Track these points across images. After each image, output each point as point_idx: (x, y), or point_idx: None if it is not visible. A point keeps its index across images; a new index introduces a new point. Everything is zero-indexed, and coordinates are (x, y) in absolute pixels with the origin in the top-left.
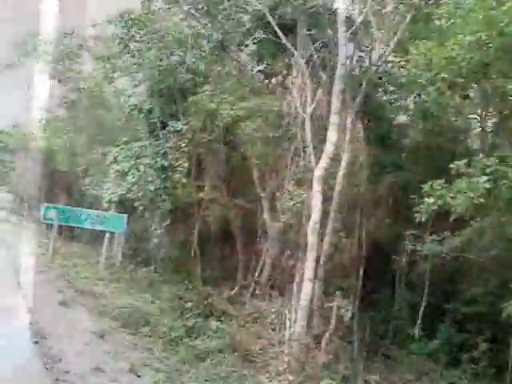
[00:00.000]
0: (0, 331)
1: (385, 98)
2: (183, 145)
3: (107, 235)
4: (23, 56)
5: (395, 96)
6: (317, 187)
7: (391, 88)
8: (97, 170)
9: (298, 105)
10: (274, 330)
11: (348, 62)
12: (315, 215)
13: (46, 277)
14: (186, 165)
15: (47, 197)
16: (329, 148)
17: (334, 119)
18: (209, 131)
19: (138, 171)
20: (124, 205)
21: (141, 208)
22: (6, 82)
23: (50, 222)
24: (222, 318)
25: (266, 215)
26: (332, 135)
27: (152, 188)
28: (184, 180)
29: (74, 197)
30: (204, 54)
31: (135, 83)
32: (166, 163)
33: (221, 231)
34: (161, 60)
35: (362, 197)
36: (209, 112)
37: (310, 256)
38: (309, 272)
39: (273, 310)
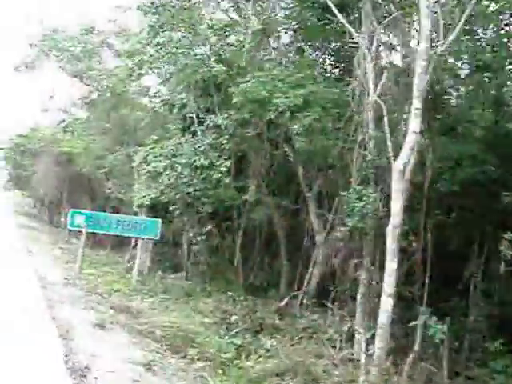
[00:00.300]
0: (32, 367)
1: (452, 82)
2: (224, 141)
3: (140, 242)
4: (42, 55)
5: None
6: (397, 184)
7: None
8: (121, 173)
9: (363, 91)
10: (334, 347)
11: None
12: (395, 218)
13: (76, 291)
14: (228, 163)
15: (69, 201)
16: (411, 138)
17: (416, 104)
18: (253, 125)
19: (175, 171)
20: (155, 209)
21: (177, 212)
22: (25, 82)
23: (77, 228)
24: (274, 334)
25: (312, 218)
26: (414, 123)
27: (191, 190)
28: (226, 180)
29: (97, 201)
30: (241, 42)
31: (166, 76)
32: (205, 162)
33: (264, 235)
34: (193, 50)
35: (429, 194)
36: (259, 102)
37: (390, 267)
38: (389, 286)
39: (329, 324)
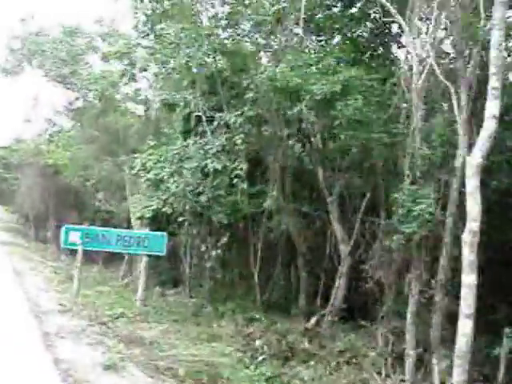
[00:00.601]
0: None
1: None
2: (239, 141)
3: (144, 260)
4: (24, 59)
5: None
6: (473, 182)
7: None
8: (111, 183)
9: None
10: (379, 373)
11: None
12: (472, 223)
13: (76, 320)
14: (245, 166)
15: (55, 215)
16: (489, 124)
17: (494, 82)
18: (270, 122)
19: (182, 178)
20: (157, 221)
21: (185, 224)
22: (6, 90)
23: (72, 247)
24: (307, 361)
25: (335, 224)
26: (493, 105)
27: (202, 198)
28: (242, 185)
29: (86, 214)
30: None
31: (167, 72)
32: (218, 166)
33: (279, 246)
34: (196, 40)
35: None
36: (289, 90)
37: (468, 282)
38: (467, 305)
39: (369, 345)
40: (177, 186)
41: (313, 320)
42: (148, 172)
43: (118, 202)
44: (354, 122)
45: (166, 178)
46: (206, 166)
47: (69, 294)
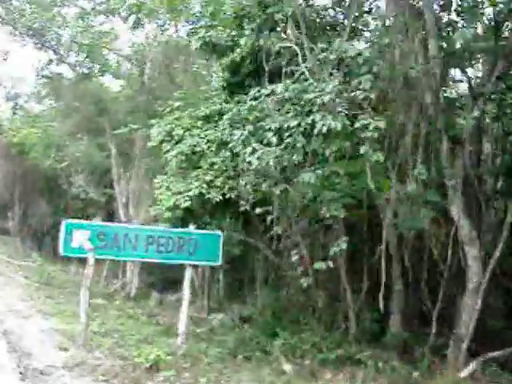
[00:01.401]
0: None
1: None
2: (367, 84)
3: (188, 271)
4: None
5: None
6: None
7: None
8: (91, 166)
9: None
10: None
11: None
12: None
13: None
14: (381, 124)
15: (21, 203)
16: None
17: None
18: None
19: (266, 145)
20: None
21: (269, 217)
22: None
23: (77, 255)
24: None
25: (459, 219)
26: None
27: (310, 177)
28: (378, 157)
29: (60, 201)
30: None
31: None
32: (336, 124)
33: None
34: None
35: None
36: None
37: None
38: None
39: None
40: (258, 158)
41: (470, 367)
42: (177, 143)
43: (98, 189)
44: None
45: (238, 146)
46: (312, 124)
47: (63, 319)
